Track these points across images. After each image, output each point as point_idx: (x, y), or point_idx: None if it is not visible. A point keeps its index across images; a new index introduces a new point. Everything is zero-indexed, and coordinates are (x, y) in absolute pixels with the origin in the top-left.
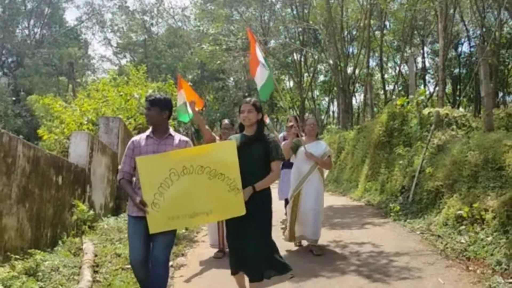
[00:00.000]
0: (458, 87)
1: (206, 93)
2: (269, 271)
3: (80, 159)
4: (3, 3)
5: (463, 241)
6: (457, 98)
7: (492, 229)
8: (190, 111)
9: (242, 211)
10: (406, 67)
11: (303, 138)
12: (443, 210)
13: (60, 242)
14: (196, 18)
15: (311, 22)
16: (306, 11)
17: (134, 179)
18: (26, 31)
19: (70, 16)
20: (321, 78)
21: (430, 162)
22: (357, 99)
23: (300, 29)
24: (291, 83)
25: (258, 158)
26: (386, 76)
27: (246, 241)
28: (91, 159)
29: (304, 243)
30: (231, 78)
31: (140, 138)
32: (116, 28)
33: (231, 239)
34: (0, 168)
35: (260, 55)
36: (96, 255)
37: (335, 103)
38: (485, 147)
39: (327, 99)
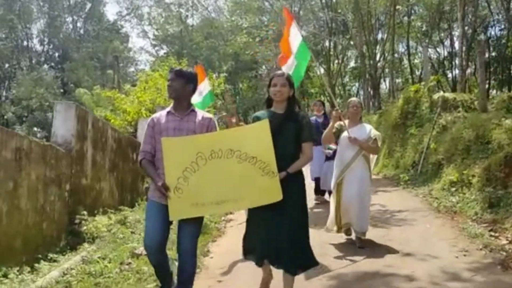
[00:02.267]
0: (489, 70)
1: (240, 82)
2: (298, 265)
3: None
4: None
5: (453, 200)
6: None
7: (475, 190)
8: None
9: (279, 196)
10: (434, 51)
11: (346, 122)
12: (442, 178)
13: (136, 204)
14: (230, 10)
15: (339, 11)
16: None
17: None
18: (71, 26)
19: (110, 11)
20: (352, 64)
21: (436, 139)
22: (387, 85)
23: (329, 18)
24: (322, 70)
25: (290, 139)
26: (416, 60)
27: (280, 229)
28: None
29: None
30: (263, 67)
31: (161, 114)
32: (153, 21)
33: (259, 225)
34: (98, 145)
35: (295, 37)
36: None
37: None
38: (477, 125)
39: (357, 84)
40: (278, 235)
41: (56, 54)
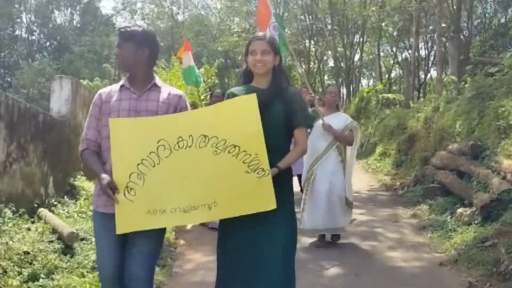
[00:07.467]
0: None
1: (227, 78)
2: None
3: None
4: None
5: (378, 164)
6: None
7: (391, 157)
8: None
9: (271, 204)
10: (404, 54)
11: (321, 109)
12: (375, 152)
13: None
14: (220, 12)
15: (319, 15)
16: (314, 4)
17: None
18: (68, 18)
19: (106, 6)
20: (331, 63)
21: (376, 127)
22: (363, 84)
23: (309, 22)
24: (302, 70)
25: (277, 124)
26: (391, 61)
27: (262, 260)
28: None
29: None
30: None
31: (111, 89)
32: (145, 16)
33: (232, 260)
34: None
35: (271, 12)
36: None
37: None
38: (400, 117)
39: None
40: (259, 267)
41: (47, 44)
